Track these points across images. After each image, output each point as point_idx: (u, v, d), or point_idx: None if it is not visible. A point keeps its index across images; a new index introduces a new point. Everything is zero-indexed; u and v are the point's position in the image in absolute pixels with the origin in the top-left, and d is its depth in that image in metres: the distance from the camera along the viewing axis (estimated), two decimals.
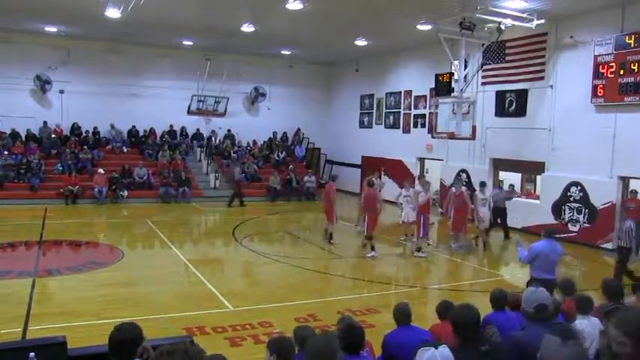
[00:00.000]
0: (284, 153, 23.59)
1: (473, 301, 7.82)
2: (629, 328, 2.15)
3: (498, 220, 13.90)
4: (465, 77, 14.71)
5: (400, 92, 21.03)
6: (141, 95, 22.00)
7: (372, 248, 11.84)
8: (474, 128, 15.96)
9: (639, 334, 2.12)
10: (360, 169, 23.01)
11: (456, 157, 17.86)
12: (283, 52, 22.48)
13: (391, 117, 21.63)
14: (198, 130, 23.33)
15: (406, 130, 20.76)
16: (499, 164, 16.77)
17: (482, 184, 13.56)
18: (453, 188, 13.37)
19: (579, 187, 13.77)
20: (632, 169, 12.73)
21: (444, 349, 3.97)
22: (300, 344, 3.61)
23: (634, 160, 12.53)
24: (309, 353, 2.83)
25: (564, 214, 14.04)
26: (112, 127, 21.77)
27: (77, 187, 18.20)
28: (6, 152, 18.84)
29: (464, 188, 13.53)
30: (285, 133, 24.78)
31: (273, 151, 23.64)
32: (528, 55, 15.13)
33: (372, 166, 21.47)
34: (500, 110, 16.09)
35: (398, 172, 19.79)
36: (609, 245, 13.10)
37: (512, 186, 16.56)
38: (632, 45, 12.39)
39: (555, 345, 2.43)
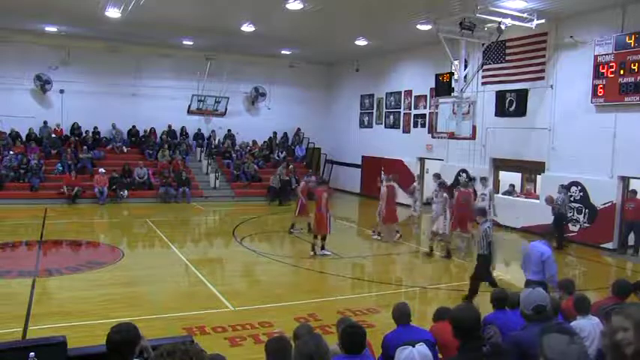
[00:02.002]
0: (284, 153, 23.58)
1: (472, 301, 7.83)
2: (631, 314, 2.18)
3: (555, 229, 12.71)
4: (465, 77, 14.70)
5: (400, 92, 21.02)
6: (141, 95, 22.01)
7: (313, 247, 11.80)
8: (474, 128, 15.93)
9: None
10: (360, 169, 23.02)
11: (456, 157, 17.85)
12: (283, 52, 22.48)
13: (391, 117, 21.62)
14: (199, 130, 23.34)
15: (406, 130, 20.76)
16: (499, 164, 16.77)
17: (469, 182, 13.08)
18: (461, 188, 13.23)
19: (579, 187, 13.76)
20: (632, 168, 12.73)
21: (422, 347, 3.99)
22: None
23: (634, 160, 12.53)
24: (299, 354, 2.83)
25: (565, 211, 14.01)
26: (114, 126, 21.79)
27: (77, 187, 18.19)
28: (11, 152, 18.83)
29: (471, 189, 13.46)
30: (285, 133, 24.77)
31: (274, 151, 23.64)
32: (528, 55, 15.11)
33: (373, 166, 21.50)
34: (501, 110, 16.08)
35: (398, 172, 19.76)
36: (609, 245, 13.11)
37: (512, 186, 16.61)
38: (633, 45, 12.38)
39: (562, 343, 2.42)
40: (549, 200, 13.41)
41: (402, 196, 15.29)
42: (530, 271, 7.05)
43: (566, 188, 13.55)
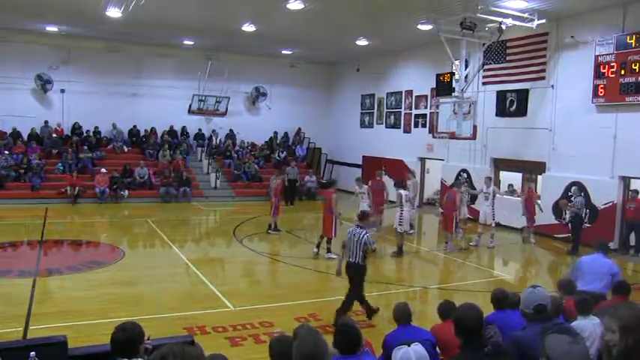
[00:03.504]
0: (284, 153, 23.57)
1: (472, 301, 7.82)
2: (617, 315, 2.20)
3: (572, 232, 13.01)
4: (466, 77, 14.71)
5: (401, 92, 21.02)
6: (142, 95, 22.03)
7: (318, 245, 11.68)
8: (474, 128, 15.97)
9: (626, 322, 2.17)
10: (360, 169, 23.00)
11: (457, 156, 17.85)
12: (284, 51, 22.49)
13: (392, 117, 21.62)
14: (199, 130, 23.34)
15: (407, 130, 20.76)
16: (500, 164, 16.76)
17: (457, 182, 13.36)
18: (454, 188, 13.38)
19: (580, 188, 13.73)
20: (633, 168, 12.72)
21: (417, 347, 3.98)
22: None
23: (635, 160, 12.51)
24: (298, 353, 2.83)
25: (565, 214, 14.00)
26: (114, 126, 21.82)
27: (78, 187, 18.18)
28: (6, 152, 18.85)
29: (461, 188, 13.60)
30: (286, 132, 24.78)
31: (274, 150, 23.64)
32: (529, 55, 15.10)
33: (374, 166, 21.46)
34: (501, 110, 16.07)
35: (399, 171, 19.76)
36: (610, 245, 13.08)
37: (511, 185, 16.59)
38: (633, 45, 12.37)
39: (564, 343, 2.42)
40: (564, 205, 13.40)
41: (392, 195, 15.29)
42: (584, 281, 6.50)
43: (582, 190, 13.36)
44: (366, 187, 14.15)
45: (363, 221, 7.82)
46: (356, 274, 7.61)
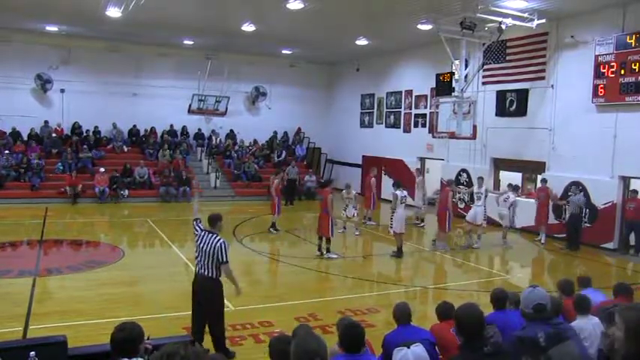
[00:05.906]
0: (284, 152, 23.57)
1: (472, 300, 7.83)
2: (625, 317, 2.24)
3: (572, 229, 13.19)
4: (466, 77, 14.71)
5: (401, 92, 21.01)
6: (142, 94, 22.03)
7: (320, 248, 11.72)
8: (474, 128, 15.97)
9: (633, 326, 2.20)
10: (360, 169, 23.02)
11: (457, 156, 17.85)
12: (284, 51, 22.48)
13: (392, 116, 21.62)
14: (199, 130, 23.35)
15: (407, 130, 20.76)
16: (500, 164, 16.77)
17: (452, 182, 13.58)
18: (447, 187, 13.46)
19: (580, 187, 13.74)
20: (633, 168, 12.72)
21: (417, 348, 3.99)
22: None
23: (635, 160, 12.52)
24: (300, 352, 2.83)
25: (565, 214, 14.01)
26: (114, 126, 21.82)
27: (78, 187, 18.17)
28: (7, 152, 18.85)
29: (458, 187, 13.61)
30: (285, 132, 24.78)
31: (274, 150, 23.64)
32: (529, 55, 15.11)
33: (373, 165, 21.47)
34: (501, 110, 16.07)
35: (398, 171, 19.79)
36: (610, 245, 13.11)
37: (513, 185, 16.57)
38: (633, 45, 12.37)
39: None
40: (557, 199, 13.60)
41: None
42: None
43: (581, 189, 13.36)
44: (354, 192, 14.30)
45: (215, 225, 6.46)
46: (204, 290, 6.14)
